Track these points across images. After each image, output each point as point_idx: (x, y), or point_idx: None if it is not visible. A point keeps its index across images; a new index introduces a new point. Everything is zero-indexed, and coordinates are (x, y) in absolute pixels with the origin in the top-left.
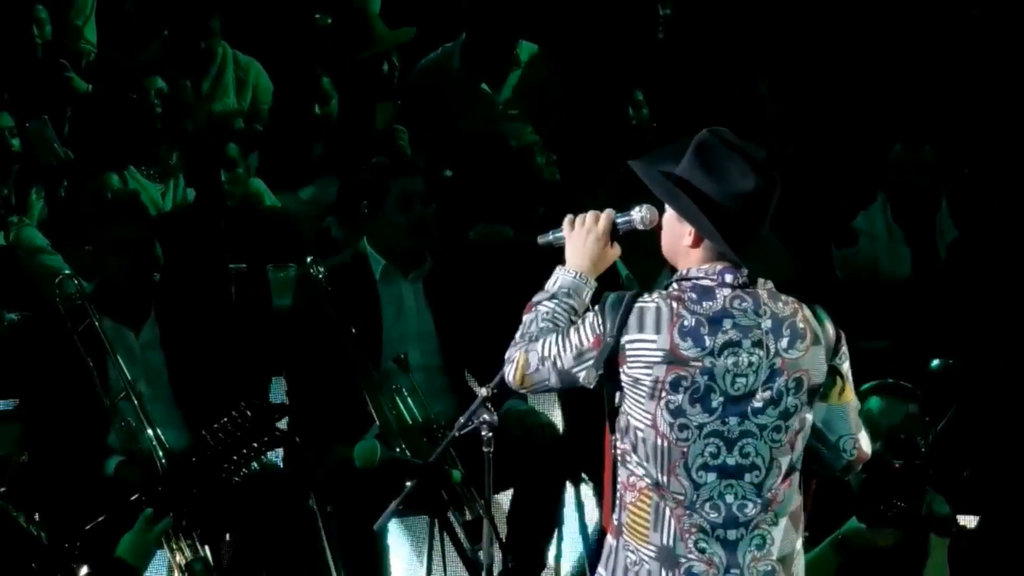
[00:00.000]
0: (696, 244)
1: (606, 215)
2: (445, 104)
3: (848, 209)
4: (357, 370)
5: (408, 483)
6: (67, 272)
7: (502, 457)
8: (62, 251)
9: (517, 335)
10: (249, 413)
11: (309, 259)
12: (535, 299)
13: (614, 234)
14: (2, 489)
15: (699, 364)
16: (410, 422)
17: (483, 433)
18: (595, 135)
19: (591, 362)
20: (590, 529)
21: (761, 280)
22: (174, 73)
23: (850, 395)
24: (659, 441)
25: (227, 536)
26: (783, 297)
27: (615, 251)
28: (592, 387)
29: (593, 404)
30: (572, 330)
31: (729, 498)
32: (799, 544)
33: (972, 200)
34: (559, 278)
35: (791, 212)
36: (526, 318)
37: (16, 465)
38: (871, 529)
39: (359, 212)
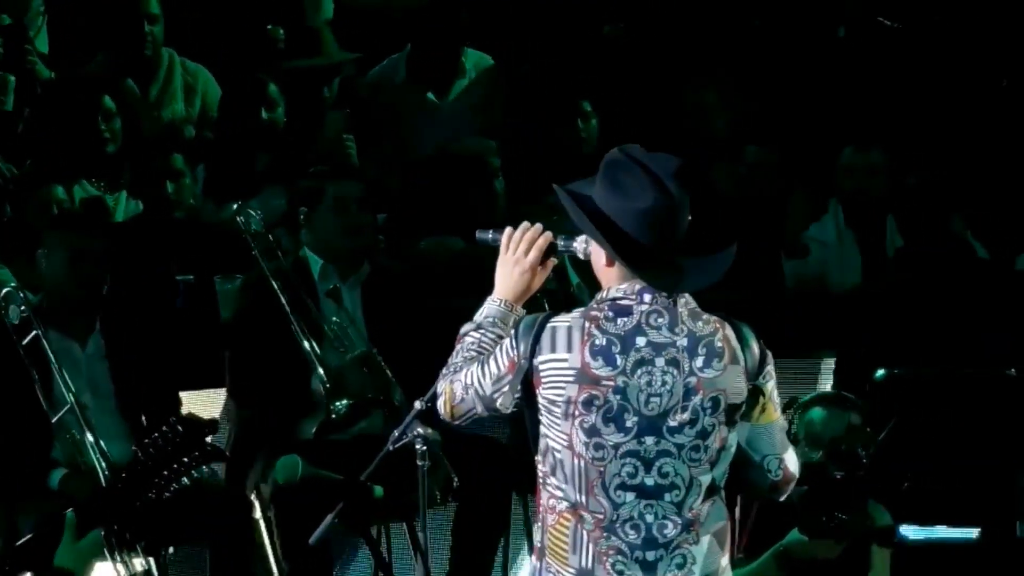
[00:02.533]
0: (610, 263)
1: (537, 247)
2: (393, 115)
3: (800, 218)
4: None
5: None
6: (13, 285)
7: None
8: (9, 264)
9: (444, 368)
10: (180, 428)
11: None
12: (463, 330)
13: (549, 255)
14: None
15: (611, 383)
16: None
17: (417, 447)
18: (543, 146)
19: (507, 387)
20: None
21: (684, 299)
22: (120, 80)
23: (773, 415)
24: (576, 461)
25: (170, 548)
26: (704, 316)
27: (541, 278)
28: (510, 412)
29: None
30: (491, 357)
31: (649, 518)
32: (724, 561)
33: (918, 208)
34: (485, 308)
35: (741, 223)
36: (455, 349)
37: None
38: (813, 541)
39: (297, 218)
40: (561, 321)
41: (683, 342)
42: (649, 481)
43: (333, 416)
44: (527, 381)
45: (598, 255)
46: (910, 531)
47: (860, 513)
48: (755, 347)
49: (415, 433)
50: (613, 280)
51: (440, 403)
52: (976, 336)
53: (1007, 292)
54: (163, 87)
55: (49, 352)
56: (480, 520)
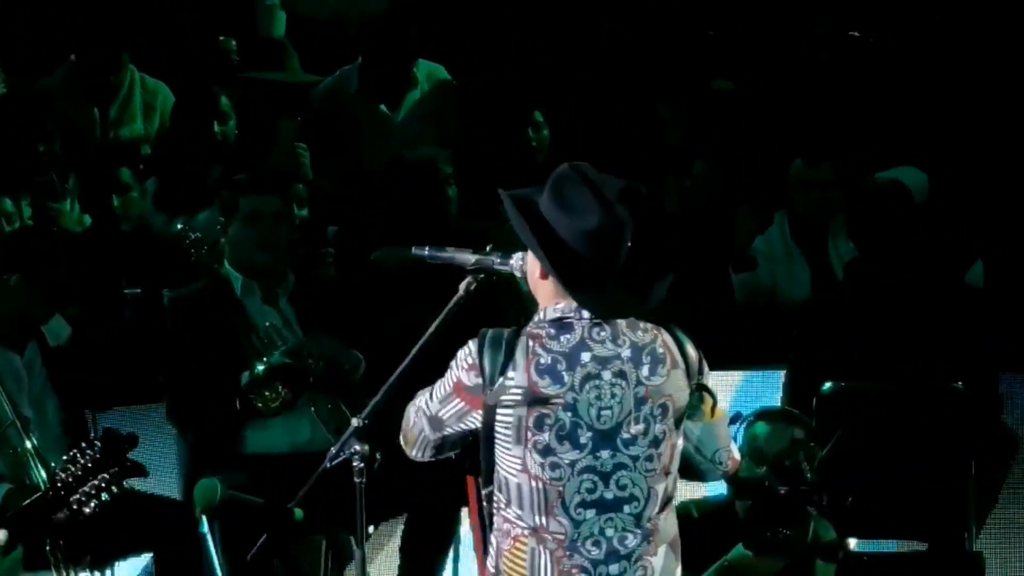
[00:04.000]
0: (544, 276)
1: None
2: (345, 127)
3: (747, 232)
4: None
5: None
6: None
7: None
8: None
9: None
10: (99, 444)
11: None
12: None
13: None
14: None
15: (560, 401)
16: None
17: (355, 464)
18: (495, 156)
19: (458, 409)
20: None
21: None
22: (79, 99)
23: (719, 410)
24: (533, 483)
25: (117, 562)
26: (642, 324)
27: None
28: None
29: None
30: (439, 381)
31: (609, 531)
32: (679, 571)
33: (870, 219)
34: None
35: (692, 237)
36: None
37: None
38: (757, 556)
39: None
40: (503, 342)
41: (627, 353)
42: (608, 495)
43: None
44: (486, 405)
45: (533, 266)
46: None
47: (804, 528)
48: (690, 349)
49: (352, 450)
50: (548, 295)
51: (400, 440)
52: (925, 349)
53: (957, 305)
54: (122, 106)
55: None
56: (428, 536)
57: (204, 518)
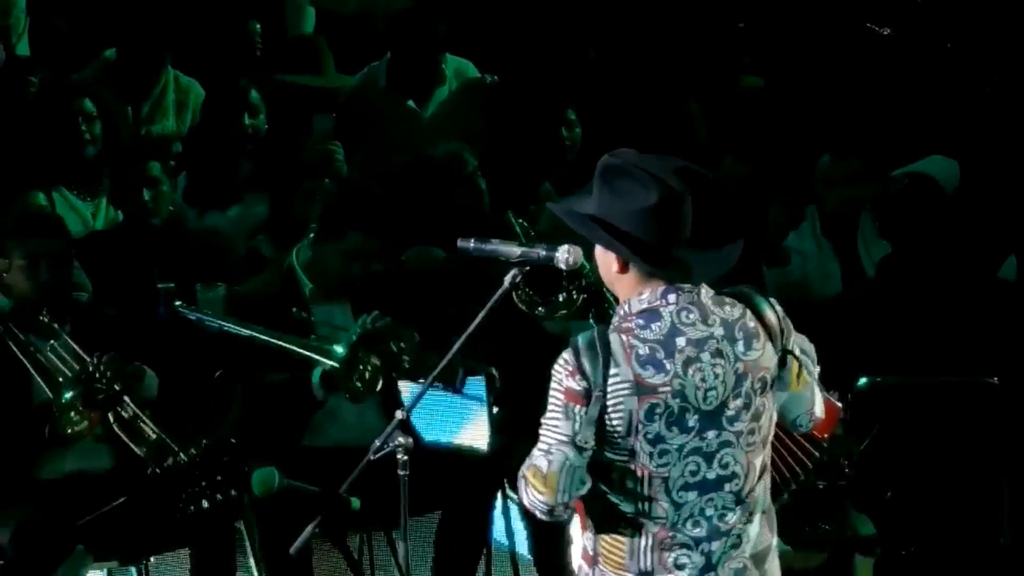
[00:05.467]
0: (623, 269)
1: None
2: (374, 123)
3: (780, 228)
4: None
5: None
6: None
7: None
8: None
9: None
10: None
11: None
12: None
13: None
14: None
15: (668, 389)
16: None
17: (398, 456)
18: (527, 154)
19: (582, 418)
20: (518, 548)
21: (703, 289)
22: (113, 94)
23: (806, 376)
24: (639, 473)
25: (151, 558)
26: (727, 300)
27: None
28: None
29: (522, 420)
30: (550, 410)
31: (709, 511)
32: (774, 542)
33: (902, 215)
34: None
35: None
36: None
37: None
38: (796, 551)
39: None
40: (602, 338)
41: (719, 331)
42: (711, 475)
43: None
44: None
45: (607, 264)
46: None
47: (842, 523)
48: (770, 314)
49: (396, 443)
50: (629, 288)
51: (529, 492)
52: (959, 344)
53: (990, 300)
54: (156, 103)
55: (22, 355)
56: (462, 530)
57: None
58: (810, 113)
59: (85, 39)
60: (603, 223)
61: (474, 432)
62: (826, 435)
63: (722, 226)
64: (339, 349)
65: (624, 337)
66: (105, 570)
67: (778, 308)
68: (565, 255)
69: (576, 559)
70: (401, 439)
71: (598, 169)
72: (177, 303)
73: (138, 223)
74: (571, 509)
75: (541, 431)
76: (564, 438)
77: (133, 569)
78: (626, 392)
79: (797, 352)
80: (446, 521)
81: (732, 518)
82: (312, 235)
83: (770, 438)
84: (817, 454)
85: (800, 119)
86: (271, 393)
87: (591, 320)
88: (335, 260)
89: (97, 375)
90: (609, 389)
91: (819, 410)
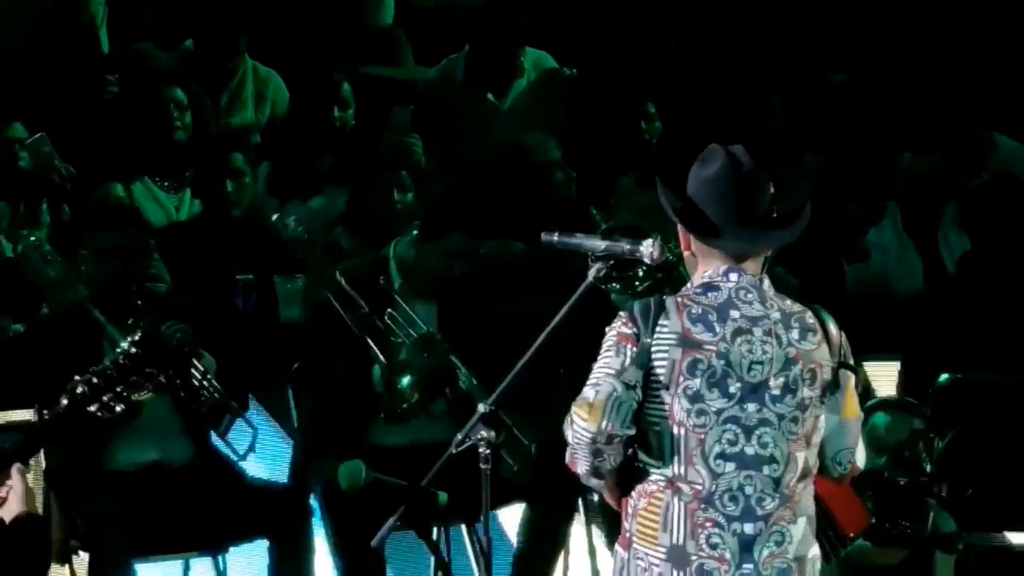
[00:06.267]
0: (687, 247)
1: None
2: (451, 116)
3: (859, 224)
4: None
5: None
6: (70, 282)
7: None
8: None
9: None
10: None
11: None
12: None
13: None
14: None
15: (713, 348)
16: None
17: (481, 450)
18: (607, 148)
19: (631, 356)
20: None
21: (767, 281)
22: (193, 85)
23: (856, 409)
24: (675, 430)
25: (232, 548)
26: (788, 299)
27: None
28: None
29: None
30: (601, 353)
31: (748, 489)
32: (816, 550)
33: (984, 211)
34: None
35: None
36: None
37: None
38: (876, 547)
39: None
40: (656, 299)
41: (776, 315)
42: (749, 450)
43: (397, 392)
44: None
45: (684, 244)
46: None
47: (923, 520)
48: (833, 328)
49: (478, 436)
50: (696, 266)
51: (573, 425)
52: None
53: None
54: (234, 94)
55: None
56: (543, 523)
57: (318, 506)
58: (892, 109)
59: (164, 29)
60: (675, 195)
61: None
62: (852, 535)
63: (791, 203)
64: (404, 381)
65: (679, 299)
66: (183, 560)
67: (843, 334)
68: (649, 249)
69: (618, 552)
70: (484, 432)
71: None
72: None
73: (218, 214)
74: (613, 447)
75: (592, 371)
76: (612, 372)
77: (211, 559)
78: (672, 342)
79: (851, 379)
80: (528, 514)
81: (770, 505)
82: (415, 232)
83: (815, 441)
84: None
85: (882, 114)
86: (339, 386)
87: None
88: (436, 260)
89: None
90: (656, 339)
91: (860, 457)
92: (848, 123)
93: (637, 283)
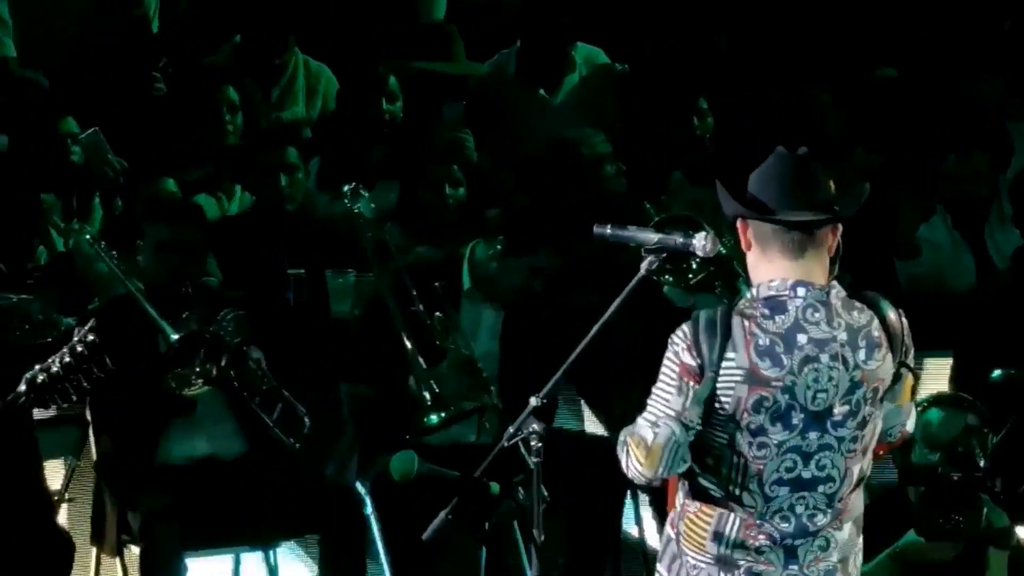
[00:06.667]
0: (748, 246)
1: None
2: (503, 111)
3: (911, 220)
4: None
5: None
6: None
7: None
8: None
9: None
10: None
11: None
12: None
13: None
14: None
15: (780, 384)
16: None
17: (532, 443)
18: (659, 143)
19: (693, 395)
20: (648, 541)
21: (835, 290)
22: (243, 80)
23: (910, 395)
24: (735, 459)
25: (282, 543)
26: (856, 304)
27: None
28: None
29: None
30: (661, 381)
31: (799, 509)
32: (859, 541)
33: None
34: None
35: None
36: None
37: (72, 470)
38: (929, 542)
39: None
40: (723, 320)
41: (843, 336)
42: (806, 474)
43: (423, 425)
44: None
45: (741, 241)
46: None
47: (977, 515)
48: (894, 320)
49: (530, 430)
50: (760, 272)
51: (630, 462)
52: None
53: None
54: (285, 89)
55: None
56: (595, 517)
57: (368, 499)
58: (943, 106)
59: (213, 23)
60: (738, 196)
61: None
62: (882, 453)
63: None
64: (433, 419)
65: (746, 323)
66: (234, 554)
67: (904, 320)
68: (702, 242)
69: (667, 531)
70: (535, 426)
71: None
72: None
73: (270, 209)
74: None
75: (650, 400)
76: (672, 412)
77: (261, 554)
78: (739, 379)
79: (911, 368)
80: (578, 513)
81: (822, 520)
82: (499, 247)
83: (872, 447)
84: None
85: (931, 111)
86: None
87: (717, 292)
88: (520, 275)
89: (221, 328)
90: (722, 372)
91: (911, 424)
92: (898, 119)
93: (690, 276)
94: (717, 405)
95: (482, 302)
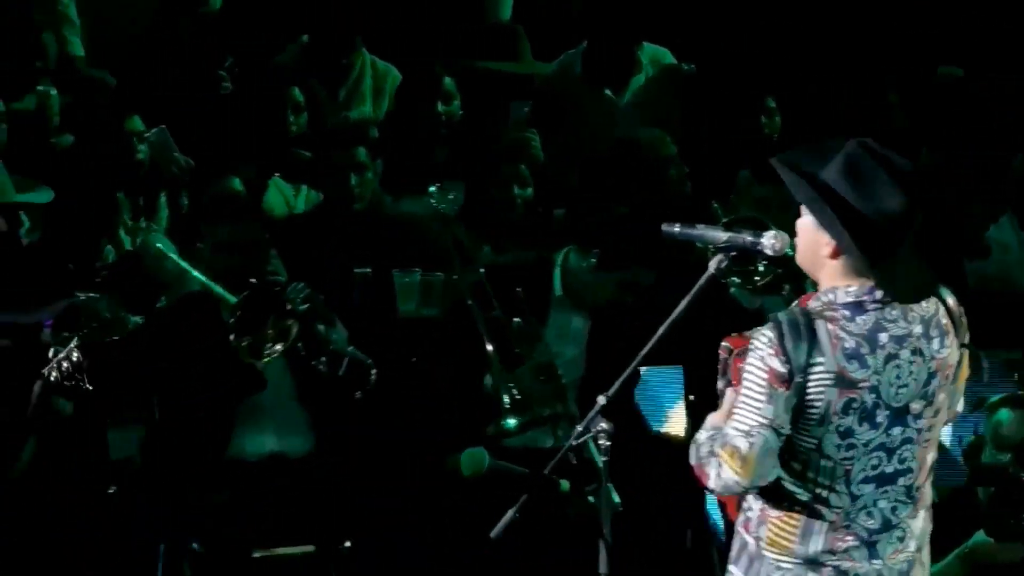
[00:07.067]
0: (835, 256)
1: None
2: (569, 111)
3: (980, 220)
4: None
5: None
6: (194, 275)
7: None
8: (183, 254)
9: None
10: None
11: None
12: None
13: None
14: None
15: (867, 384)
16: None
17: (600, 441)
18: (726, 142)
19: (784, 402)
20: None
21: None
22: (309, 79)
23: (967, 371)
24: (823, 462)
25: (346, 542)
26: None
27: None
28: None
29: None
30: (748, 390)
31: (883, 503)
32: (930, 527)
33: None
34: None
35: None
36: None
37: (135, 467)
38: (999, 543)
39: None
40: (810, 323)
41: (917, 329)
42: (889, 469)
43: (501, 429)
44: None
45: (815, 245)
46: None
47: None
48: (953, 304)
49: (598, 428)
50: (831, 273)
51: (722, 473)
52: None
53: None
54: (352, 89)
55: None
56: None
57: None
58: (1010, 106)
59: (280, 22)
60: (839, 207)
61: (673, 418)
62: None
63: (940, 243)
64: (511, 422)
65: (830, 326)
66: (299, 552)
67: (956, 300)
68: (772, 241)
69: (741, 535)
70: (604, 424)
71: (843, 152)
72: None
73: (338, 208)
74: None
75: (739, 408)
76: (765, 420)
77: (327, 551)
78: (828, 383)
79: (966, 348)
80: (650, 509)
81: (903, 512)
82: (593, 260)
83: (941, 434)
84: None
85: (999, 111)
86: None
87: (784, 294)
88: (612, 288)
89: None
90: (812, 377)
91: (961, 404)
92: (965, 119)
93: (757, 277)
94: (805, 413)
95: (572, 309)
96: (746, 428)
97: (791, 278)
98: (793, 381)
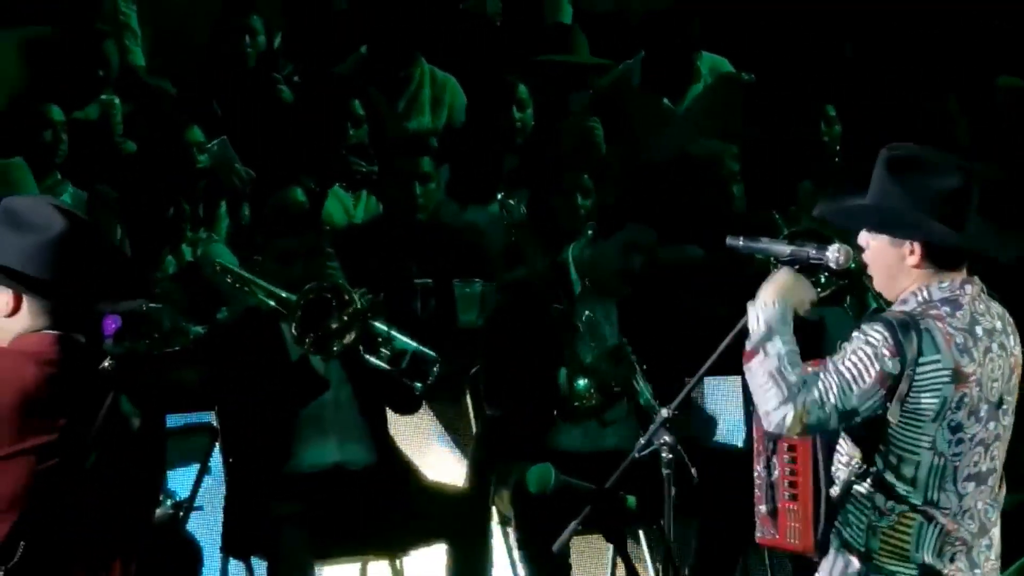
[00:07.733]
0: (921, 259)
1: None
2: (627, 120)
3: None
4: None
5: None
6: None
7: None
8: (244, 265)
9: (770, 385)
10: None
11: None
12: (757, 346)
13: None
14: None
15: (975, 378)
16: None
17: (663, 455)
18: (786, 152)
19: (876, 399)
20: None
21: (980, 284)
22: (368, 90)
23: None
24: (935, 460)
25: (411, 551)
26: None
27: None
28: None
29: None
30: (847, 370)
31: (980, 505)
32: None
33: None
34: (764, 318)
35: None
36: (765, 368)
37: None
38: None
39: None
40: (922, 324)
41: (999, 324)
42: (984, 467)
43: (575, 392)
44: (901, 390)
45: (893, 259)
46: None
47: None
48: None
49: (661, 441)
50: (916, 278)
51: (782, 421)
52: None
53: None
54: (411, 99)
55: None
56: (724, 526)
57: (494, 508)
58: None
59: (340, 33)
60: (907, 209)
61: (728, 429)
62: None
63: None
64: (582, 383)
65: (939, 324)
66: (361, 563)
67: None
68: (836, 254)
69: (843, 555)
70: (667, 437)
71: (882, 161)
72: None
73: (400, 217)
74: None
75: (833, 379)
76: (845, 408)
77: (388, 563)
78: (946, 379)
79: None
80: (708, 518)
81: (993, 515)
82: (590, 232)
83: None
84: None
85: None
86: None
87: (846, 306)
88: (616, 255)
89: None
90: (926, 374)
91: None
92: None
93: (819, 289)
94: (918, 411)
95: (595, 300)
96: (828, 402)
97: (853, 290)
98: (899, 383)
